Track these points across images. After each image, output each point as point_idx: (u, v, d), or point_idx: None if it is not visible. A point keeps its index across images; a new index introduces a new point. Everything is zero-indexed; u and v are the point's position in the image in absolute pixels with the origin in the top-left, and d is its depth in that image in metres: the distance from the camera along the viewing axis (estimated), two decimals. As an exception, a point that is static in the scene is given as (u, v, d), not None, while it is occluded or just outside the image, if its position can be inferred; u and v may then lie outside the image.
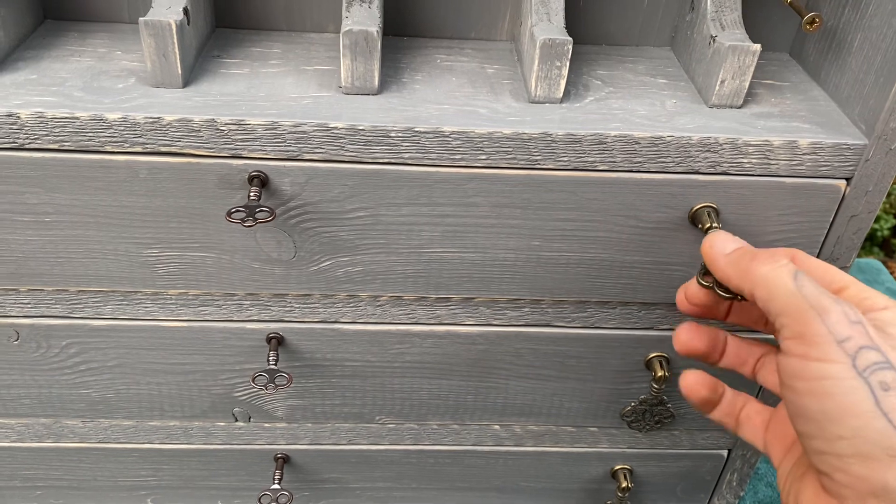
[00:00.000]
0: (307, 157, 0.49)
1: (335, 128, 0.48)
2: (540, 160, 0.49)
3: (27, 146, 0.47)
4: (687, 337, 0.48)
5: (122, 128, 0.47)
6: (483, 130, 0.48)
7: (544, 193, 0.51)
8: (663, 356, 0.61)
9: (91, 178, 0.49)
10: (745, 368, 0.49)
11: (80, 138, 0.47)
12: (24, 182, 0.49)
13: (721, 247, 0.43)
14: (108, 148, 0.48)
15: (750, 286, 0.40)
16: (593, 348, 0.60)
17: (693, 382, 0.48)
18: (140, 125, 0.47)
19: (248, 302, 0.57)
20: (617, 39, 0.59)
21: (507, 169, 0.50)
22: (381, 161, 0.49)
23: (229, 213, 0.47)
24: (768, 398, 0.61)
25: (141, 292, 0.56)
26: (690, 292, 0.48)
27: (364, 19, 0.49)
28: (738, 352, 0.49)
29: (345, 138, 0.48)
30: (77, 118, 0.46)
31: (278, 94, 0.50)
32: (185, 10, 0.49)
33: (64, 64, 0.51)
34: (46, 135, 0.47)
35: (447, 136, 0.48)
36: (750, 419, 0.48)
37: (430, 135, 0.48)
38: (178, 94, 0.49)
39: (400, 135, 0.48)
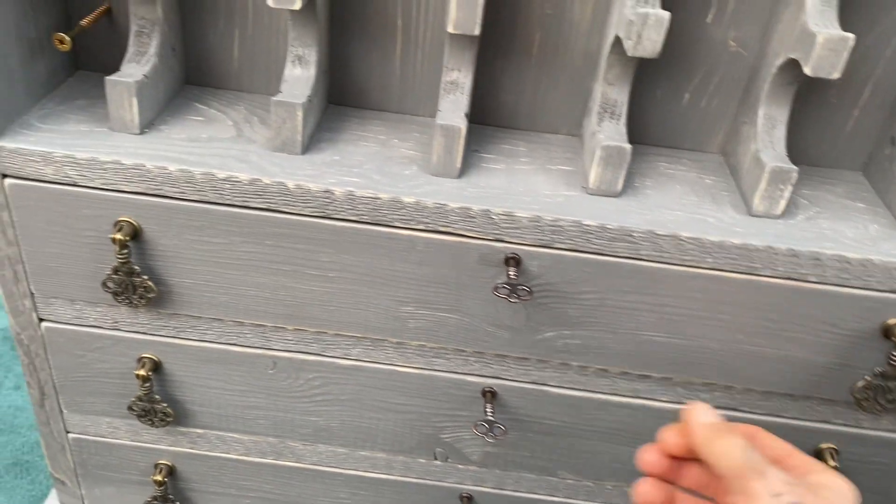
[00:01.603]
0: (557, 245, 0.58)
1: (587, 225, 0.57)
2: (759, 268, 0.57)
3: (332, 216, 0.58)
4: (644, 490, 0.55)
5: (413, 209, 0.57)
6: (715, 239, 0.56)
7: (757, 296, 0.58)
8: (833, 448, 0.67)
9: (376, 246, 0.59)
10: None
11: (377, 214, 0.57)
12: (321, 244, 0.59)
13: (698, 415, 0.49)
14: (397, 224, 0.58)
15: (707, 452, 0.47)
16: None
17: (644, 491, 0.55)
18: (428, 208, 0.57)
19: (474, 358, 0.66)
20: (814, 160, 0.67)
21: (729, 272, 0.57)
22: (619, 255, 0.58)
23: (496, 289, 0.56)
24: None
25: (387, 341, 0.65)
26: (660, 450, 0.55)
27: (615, 134, 0.58)
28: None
29: (593, 234, 0.57)
30: (379, 198, 0.57)
31: (534, 191, 0.59)
32: (467, 115, 0.59)
33: (356, 148, 0.62)
34: (351, 209, 0.57)
35: (683, 241, 0.56)
36: None
37: (668, 238, 0.56)
38: (455, 184, 0.59)
39: (641, 235, 0.57)
